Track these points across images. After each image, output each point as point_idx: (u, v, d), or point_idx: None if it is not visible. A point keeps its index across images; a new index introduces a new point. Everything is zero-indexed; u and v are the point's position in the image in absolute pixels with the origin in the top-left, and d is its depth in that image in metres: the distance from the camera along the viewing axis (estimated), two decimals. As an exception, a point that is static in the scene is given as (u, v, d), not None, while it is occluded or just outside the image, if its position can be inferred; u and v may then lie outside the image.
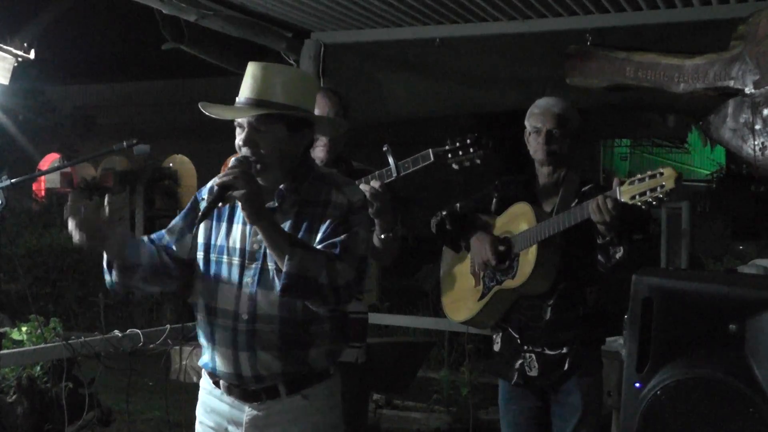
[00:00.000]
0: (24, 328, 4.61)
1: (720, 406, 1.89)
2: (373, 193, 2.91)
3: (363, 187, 2.92)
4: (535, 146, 3.12)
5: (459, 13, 4.32)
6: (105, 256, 2.36)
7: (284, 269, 2.19)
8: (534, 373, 3.10)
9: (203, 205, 2.37)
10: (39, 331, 4.50)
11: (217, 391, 2.44)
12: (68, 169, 24.70)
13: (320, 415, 2.44)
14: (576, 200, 3.07)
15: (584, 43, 4.29)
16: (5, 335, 4.36)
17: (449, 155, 2.94)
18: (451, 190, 3.23)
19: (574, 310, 3.08)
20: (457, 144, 2.93)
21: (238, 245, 2.36)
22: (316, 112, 3.15)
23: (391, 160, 2.97)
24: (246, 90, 2.35)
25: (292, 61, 4.78)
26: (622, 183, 2.81)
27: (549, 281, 3.05)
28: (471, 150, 2.92)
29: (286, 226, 2.32)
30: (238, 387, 2.39)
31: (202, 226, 2.41)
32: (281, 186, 2.35)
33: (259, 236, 2.30)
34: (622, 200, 2.77)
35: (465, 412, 5.87)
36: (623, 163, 23.11)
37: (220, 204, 2.27)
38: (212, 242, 2.41)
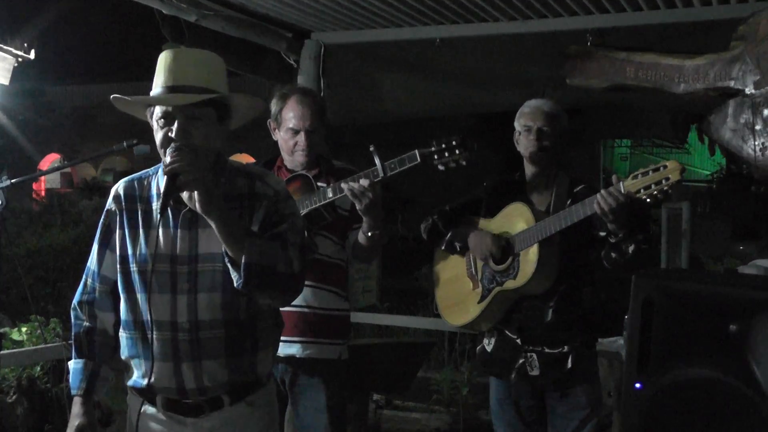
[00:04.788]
0: (24, 329, 4.61)
1: (720, 406, 1.89)
2: (361, 191, 2.89)
3: (351, 185, 2.91)
4: (526, 144, 3.15)
5: (459, 13, 4.31)
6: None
7: (244, 260, 2.10)
8: (536, 372, 3.10)
9: (114, 212, 2.30)
10: (39, 331, 4.50)
11: (152, 410, 2.30)
12: (68, 169, 24.71)
13: (264, 421, 2.37)
14: (569, 200, 3.09)
15: (584, 44, 4.29)
16: (5, 335, 4.36)
17: (435, 156, 2.92)
18: (452, 190, 3.22)
19: (573, 311, 3.09)
20: (443, 145, 2.92)
21: (164, 251, 2.23)
22: (292, 121, 3.13)
23: (377, 160, 2.94)
24: (169, 78, 2.19)
25: (292, 61, 4.78)
26: (623, 178, 2.80)
27: (550, 280, 3.05)
28: (457, 152, 2.91)
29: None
30: (179, 401, 2.27)
31: (118, 240, 2.30)
32: None
33: (189, 239, 2.21)
34: (626, 193, 2.76)
35: (465, 412, 5.87)
36: (623, 163, 23.08)
37: (174, 195, 2.14)
38: (129, 252, 2.28)
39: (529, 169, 3.21)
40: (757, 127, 3.83)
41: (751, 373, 1.86)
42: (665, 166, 2.72)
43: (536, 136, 3.11)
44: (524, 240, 3.04)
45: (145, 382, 2.27)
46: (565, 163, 3.24)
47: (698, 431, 1.93)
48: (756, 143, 3.84)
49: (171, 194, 2.13)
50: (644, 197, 2.74)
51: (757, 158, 3.85)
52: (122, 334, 2.32)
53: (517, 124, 3.20)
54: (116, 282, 2.33)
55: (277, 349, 2.45)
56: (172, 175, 2.10)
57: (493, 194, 3.28)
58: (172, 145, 2.15)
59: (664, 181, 2.70)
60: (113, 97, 2.26)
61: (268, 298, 2.26)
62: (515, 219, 3.11)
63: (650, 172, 2.74)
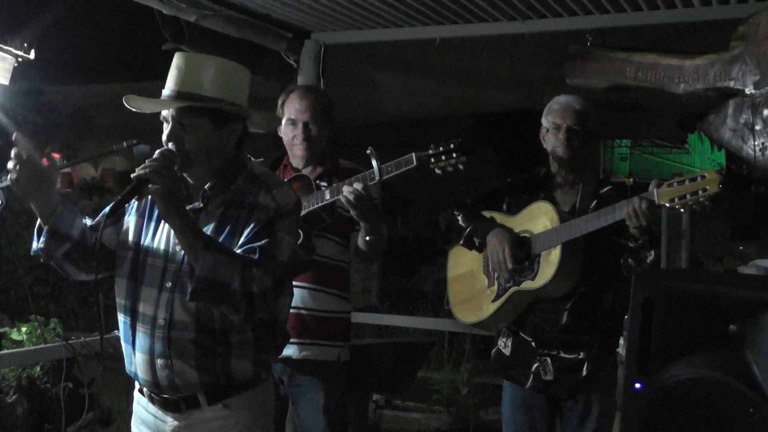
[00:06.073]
0: (24, 329, 4.60)
1: (720, 406, 1.89)
2: (356, 195, 2.87)
3: (345, 189, 2.90)
4: (554, 143, 3.04)
5: (459, 13, 4.31)
6: (39, 219, 2.28)
7: (196, 272, 2.09)
8: (549, 377, 3.01)
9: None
10: (39, 331, 4.50)
11: (144, 400, 2.37)
12: (68, 169, 24.69)
13: (245, 425, 2.34)
14: (594, 201, 3.00)
15: (584, 44, 4.29)
16: (5, 335, 4.36)
17: (432, 159, 2.88)
18: (452, 189, 3.22)
19: (591, 315, 3.00)
20: (441, 148, 2.88)
21: (162, 246, 2.28)
22: (292, 112, 3.13)
23: (374, 163, 2.91)
24: (170, 82, 2.25)
25: (292, 61, 4.78)
26: (659, 185, 2.73)
27: (570, 284, 2.96)
28: (454, 155, 2.87)
29: (210, 227, 2.23)
30: (159, 396, 2.31)
31: (133, 226, 2.34)
32: (206, 186, 2.26)
33: None
34: (660, 203, 2.69)
35: (465, 412, 5.87)
36: (623, 164, 23.06)
37: (136, 198, 2.16)
38: (141, 243, 2.32)
39: (555, 168, 3.10)
40: (757, 127, 3.83)
41: (751, 373, 1.86)
42: (703, 177, 2.61)
43: (566, 136, 3.00)
44: (546, 241, 2.94)
45: (132, 369, 2.34)
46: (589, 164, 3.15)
47: (698, 431, 1.93)
48: (756, 143, 3.84)
49: (128, 197, 2.13)
50: (678, 207, 2.64)
51: (757, 158, 3.85)
52: (119, 319, 2.36)
53: (545, 121, 3.09)
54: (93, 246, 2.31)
55: (267, 358, 2.39)
56: (138, 181, 2.10)
57: (516, 191, 3.17)
58: (158, 151, 2.19)
59: (701, 192, 2.61)
60: (127, 98, 2.31)
61: (222, 312, 2.20)
62: (538, 218, 3.00)
63: (687, 182, 2.64)
